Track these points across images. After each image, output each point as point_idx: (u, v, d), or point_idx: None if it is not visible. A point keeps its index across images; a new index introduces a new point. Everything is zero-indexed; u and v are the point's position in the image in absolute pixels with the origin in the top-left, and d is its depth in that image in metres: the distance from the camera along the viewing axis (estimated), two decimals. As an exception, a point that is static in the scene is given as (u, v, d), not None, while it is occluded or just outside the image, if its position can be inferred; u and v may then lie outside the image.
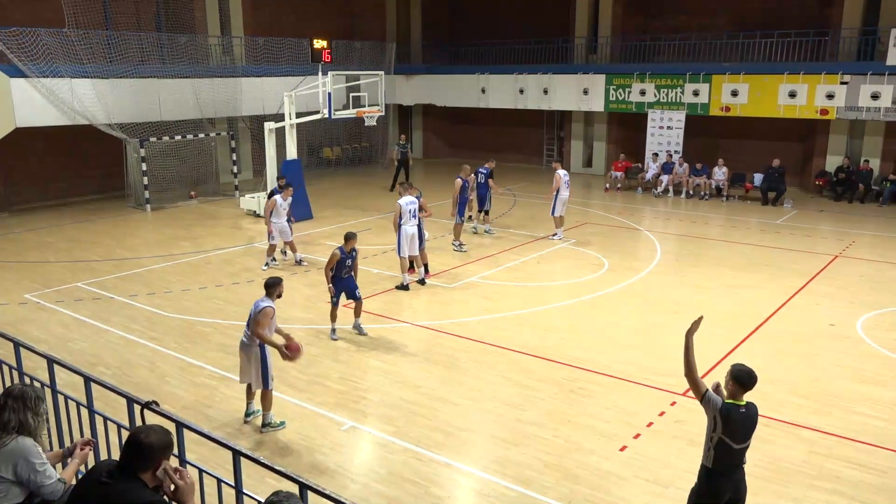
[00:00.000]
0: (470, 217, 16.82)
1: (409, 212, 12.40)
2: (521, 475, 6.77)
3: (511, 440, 7.42)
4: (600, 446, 7.28)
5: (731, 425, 4.87)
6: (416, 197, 12.72)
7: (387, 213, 18.91)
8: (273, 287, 7.67)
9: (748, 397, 5.05)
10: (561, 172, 15.66)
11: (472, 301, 11.96)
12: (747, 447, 5.02)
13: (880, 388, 8.61)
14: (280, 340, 7.55)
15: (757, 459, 6.90)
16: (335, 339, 10.22)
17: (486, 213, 16.69)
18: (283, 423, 7.76)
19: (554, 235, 16.04)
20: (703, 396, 5.01)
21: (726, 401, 4.98)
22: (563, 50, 25.91)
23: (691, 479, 5.25)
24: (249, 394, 7.87)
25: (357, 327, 10.48)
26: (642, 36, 24.45)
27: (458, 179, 15.21)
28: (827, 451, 7.17)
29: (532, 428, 7.63)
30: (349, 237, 10.22)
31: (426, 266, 13.07)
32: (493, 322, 10.96)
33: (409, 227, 12.40)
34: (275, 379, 7.79)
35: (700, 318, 5.26)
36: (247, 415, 7.87)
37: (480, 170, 16.19)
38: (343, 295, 10.36)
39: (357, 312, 10.46)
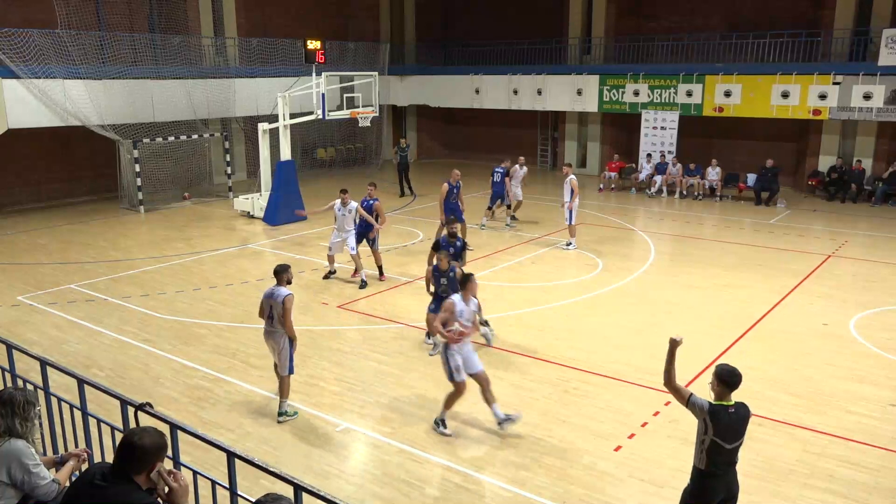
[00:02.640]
0: (513, 216, 17.53)
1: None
2: (516, 475, 6.78)
3: (506, 440, 7.42)
4: (595, 446, 7.29)
5: (721, 426, 4.86)
6: (371, 201, 12.95)
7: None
8: (284, 273, 7.82)
9: (738, 396, 5.05)
10: (574, 177, 15.36)
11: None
12: (740, 446, 5.01)
13: (873, 387, 8.65)
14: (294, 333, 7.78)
15: (750, 459, 6.92)
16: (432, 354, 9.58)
17: (508, 206, 17.36)
18: (296, 413, 7.92)
19: (569, 245, 15.39)
20: (687, 401, 4.99)
21: (714, 402, 4.97)
22: (557, 51, 25.94)
23: (686, 479, 5.26)
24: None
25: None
26: (636, 37, 24.50)
27: (445, 184, 14.77)
28: (820, 451, 7.20)
29: (527, 428, 7.62)
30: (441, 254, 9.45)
31: (381, 268, 13.14)
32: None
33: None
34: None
35: (681, 339, 5.18)
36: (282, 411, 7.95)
37: (497, 169, 17.06)
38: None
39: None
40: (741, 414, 4.96)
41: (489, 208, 17.32)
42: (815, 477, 6.72)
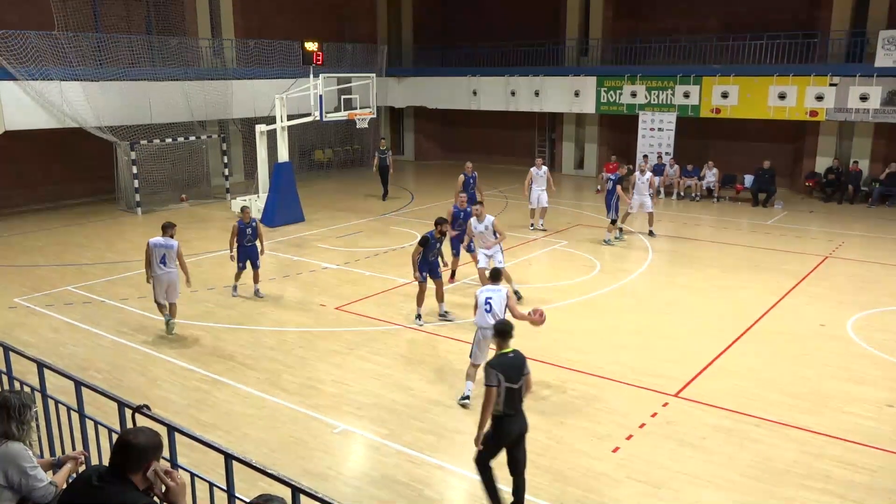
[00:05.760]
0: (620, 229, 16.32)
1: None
2: (514, 477, 6.77)
3: (504, 442, 7.42)
4: (592, 447, 7.28)
5: (507, 370, 5.89)
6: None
7: (378, 216, 18.93)
8: (171, 228, 10.36)
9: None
10: (531, 170, 16.92)
11: (464, 303, 11.95)
12: (522, 386, 5.97)
13: (870, 387, 8.66)
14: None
15: (747, 459, 6.94)
16: (235, 296, 12.26)
17: (613, 221, 16.01)
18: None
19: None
20: (488, 383, 5.82)
21: (497, 354, 6.06)
22: (555, 52, 25.98)
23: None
24: (166, 308, 10.35)
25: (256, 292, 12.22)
26: (633, 38, 24.54)
27: (462, 175, 15.84)
28: (817, 451, 7.21)
29: (525, 429, 7.62)
30: (243, 208, 12.19)
31: (454, 272, 13.12)
32: (486, 324, 10.95)
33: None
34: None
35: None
36: (169, 325, 10.34)
37: (611, 177, 15.90)
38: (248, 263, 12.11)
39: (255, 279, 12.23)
40: (518, 356, 6.08)
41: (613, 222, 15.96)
42: (811, 477, 6.72)
